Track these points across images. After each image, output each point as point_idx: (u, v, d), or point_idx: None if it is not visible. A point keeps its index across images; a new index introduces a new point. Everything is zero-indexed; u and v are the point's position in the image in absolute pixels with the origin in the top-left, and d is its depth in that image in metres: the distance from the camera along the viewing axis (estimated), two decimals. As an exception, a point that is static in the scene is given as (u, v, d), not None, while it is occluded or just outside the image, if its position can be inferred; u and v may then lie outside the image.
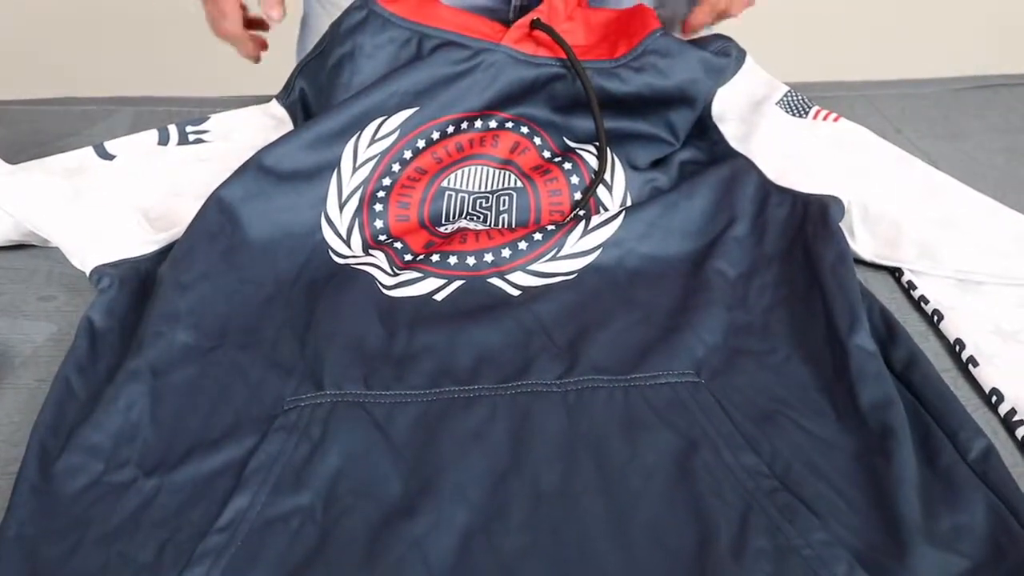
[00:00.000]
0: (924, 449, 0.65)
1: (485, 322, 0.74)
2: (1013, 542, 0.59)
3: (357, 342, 0.72)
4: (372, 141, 0.87)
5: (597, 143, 0.89)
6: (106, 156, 0.88)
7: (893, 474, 0.62)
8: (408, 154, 0.88)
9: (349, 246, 0.82)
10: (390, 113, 0.87)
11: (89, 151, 0.88)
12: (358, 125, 0.87)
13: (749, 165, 0.87)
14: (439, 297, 0.77)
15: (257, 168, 0.83)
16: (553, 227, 0.82)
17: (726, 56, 0.94)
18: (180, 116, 0.94)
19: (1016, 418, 0.70)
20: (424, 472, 0.63)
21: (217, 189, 0.81)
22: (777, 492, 0.62)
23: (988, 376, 0.74)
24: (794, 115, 0.93)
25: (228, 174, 0.83)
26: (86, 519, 0.61)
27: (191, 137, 0.92)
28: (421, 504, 0.61)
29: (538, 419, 0.67)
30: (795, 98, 0.94)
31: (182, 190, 0.86)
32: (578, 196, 0.86)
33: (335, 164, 0.85)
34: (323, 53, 0.92)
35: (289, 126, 0.95)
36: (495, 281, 0.78)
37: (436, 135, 0.89)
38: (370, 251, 0.81)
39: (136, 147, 0.90)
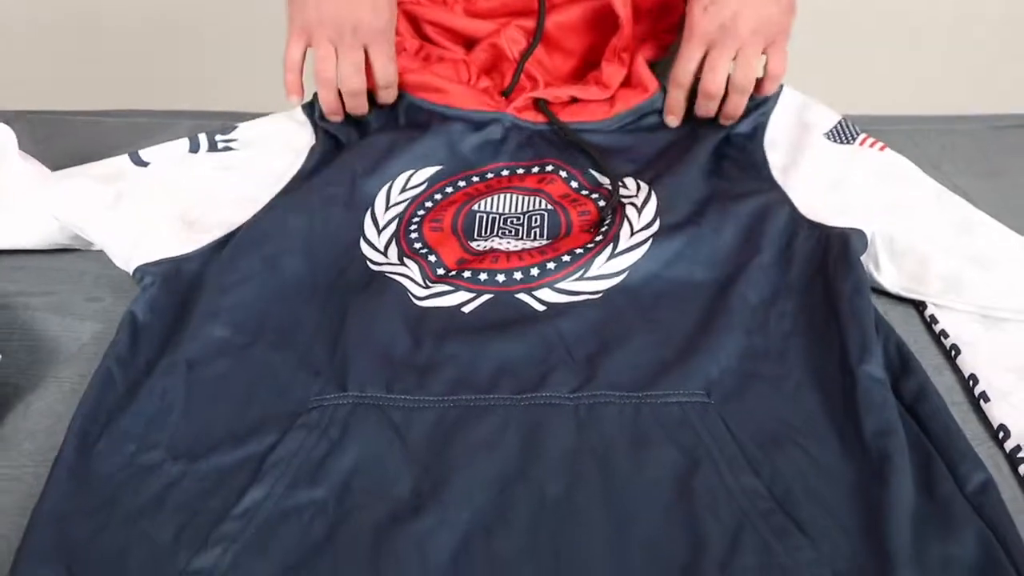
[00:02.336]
0: (924, 479, 0.66)
1: (508, 335, 0.77)
2: (999, 573, 0.60)
3: (384, 348, 0.76)
4: (403, 189, 0.93)
5: (616, 184, 0.92)
6: (141, 163, 0.93)
7: (888, 501, 0.63)
8: (438, 196, 0.93)
9: (386, 256, 0.86)
10: (417, 168, 0.94)
11: (125, 158, 0.93)
12: (389, 177, 0.93)
13: (783, 199, 0.89)
14: (467, 309, 0.80)
15: (293, 206, 0.89)
16: (581, 250, 0.84)
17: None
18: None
19: (1021, 454, 0.71)
20: (434, 475, 0.66)
21: (255, 222, 0.87)
22: (772, 513, 0.63)
23: (998, 412, 0.74)
24: (840, 142, 0.94)
25: (254, 181, 0.89)
26: (115, 499, 0.65)
27: (220, 145, 0.96)
28: (427, 505, 0.64)
29: (548, 430, 0.69)
30: (845, 126, 0.96)
31: (215, 195, 0.90)
32: (608, 216, 0.89)
33: (370, 204, 0.91)
34: None
35: (309, 133, 0.99)
36: (522, 296, 0.81)
37: (463, 183, 0.94)
38: (405, 260, 0.85)
39: (169, 154, 0.94)
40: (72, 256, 0.91)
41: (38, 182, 0.90)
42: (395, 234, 0.88)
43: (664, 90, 1.00)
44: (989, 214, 0.89)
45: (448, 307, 0.80)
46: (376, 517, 0.63)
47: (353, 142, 0.98)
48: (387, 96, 0.98)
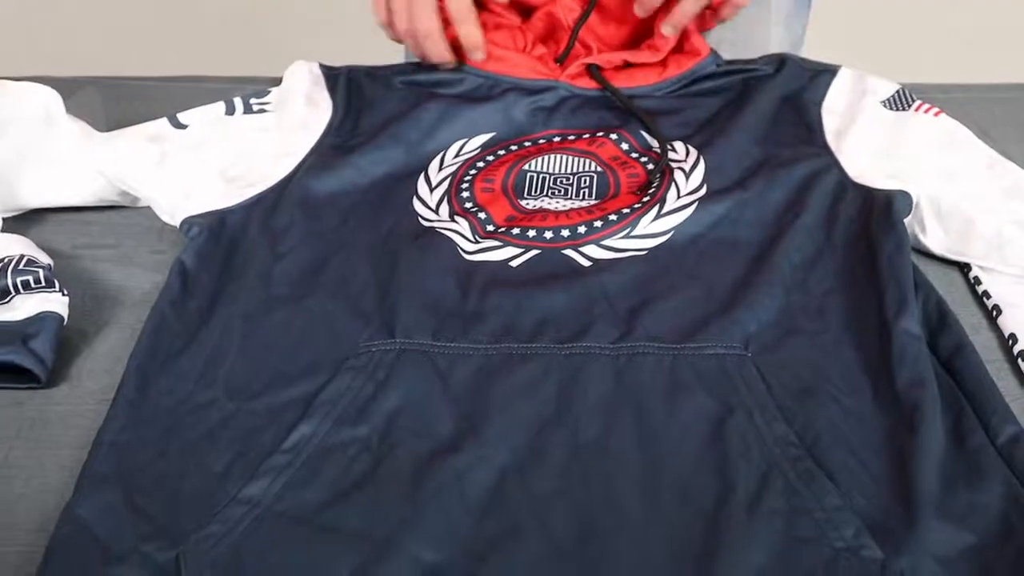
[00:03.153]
0: (955, 430, 0.68)
1: (553, 287, 0.79)
2: (1022, 519, 0.61)
3: (433, 298, 0.78)
4: (457, 155, 0.95)
5: (664, 146, 0.93)
6: (179, 126, 0.97)
7: (915, 449, 0.64)
8: (491, 158, 0.95)
9: (437, 213, 0.88)
10: (471, 135, 0.97)
11: (164, 121, 0.97)
12: (443, 145, 0.96)
13: (832, 164, 0.90)
14: (514, 264, 0.82)
15: (346, 167, 0.92)
16: (628, 210, 0.86)
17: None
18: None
19: (1056, 410, 0.71)
20: (473, 416, 0.69)
21: (306, 184, 0.90)
22: (801, 460, 0.65)
23: None
24: (896, 110, 0.95)
25: (288, 137, 0.95)
26: (172, 431, 0.69)
27: (255, 107, 0.99)
28: (466, 444, 0.66)
29: (587, 378, 0.71)
30: (902, 94, 0.97)
31: (254, 153, 0.94)
32: (656, 178, 0.91)
33: (423, 167, 0.94)
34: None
35: (323, 89, 1.02)
36: (569, 252, 0.83)
37: (515, 147, 0.96)
38: (455, 217, 0.87)
39: (206, 117, 0.98)
40: (138, 213, 0.95)
41: (85, 142, 0.94)
42: (447, 192, 0.91)
43: (715, 53, 1.01)
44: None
45: (496, 261, 0.82)
46: (417, 454, 0.66)
47: (375, 92, 1.01)
48: (476, 56, 1.00)
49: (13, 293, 0.77)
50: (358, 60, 1.05)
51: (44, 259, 0.82)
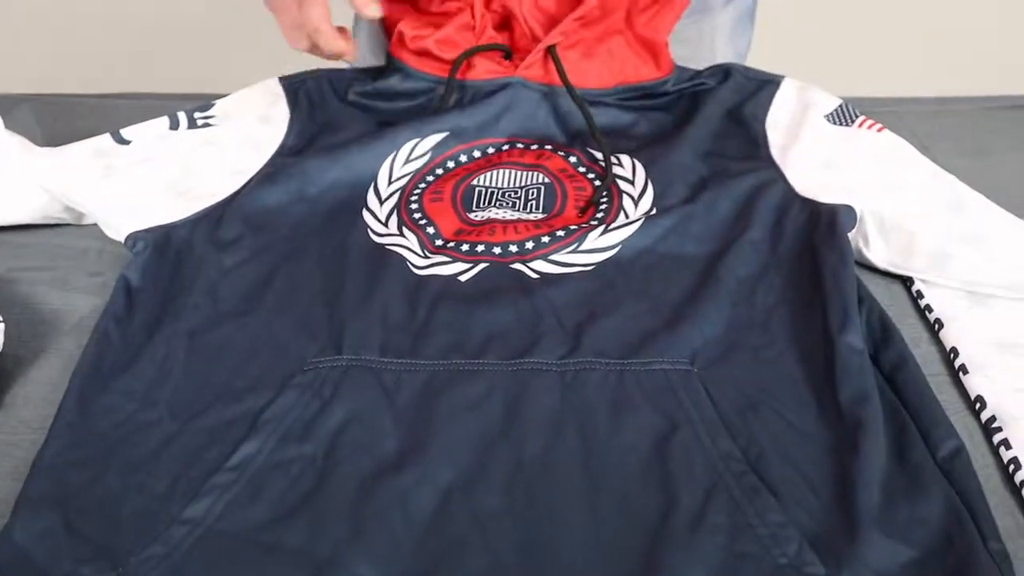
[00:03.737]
0: (897, 445, 0.68)
1: (501, 303, 0.79)
2: (962, 534, 0.62)
3: (381, 314, 0.78)
4: (407, 160, 0.94)
5: (610, 162, 0.93)
6: (122, 141, 0.95)
7: (858, 465, 0.65)
8: (440, 171, 0.94)
9: (386, 226, 0.88)
10: (423, 135, 0.95)
11: (107, 137, 0.95)
12: (394, 146, 0.94)
13: (778, 177, 0.91)
14: (463, 278, 0.82)
15: (294, 177, 0.91)
16: (575, 227, 0.86)
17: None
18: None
19: (995, 424, 0.72)
20: (418, 433, 0.68)
21: (254, 196, 0.89)
22: (745, 475, 0.65)
23: (976, 384, 0.76)
24: (839, 124, 0.96)
25: (236, 153, 0.93)
26: (113, 452, 0.68)
27: (199, 122, 0.98)
28: (411, 461, 0.66)
29: (533, 394, 0.71)
30: (844, 109, 0.98)
31: (201, 168, 0.93)
32: (603, 196, 0.91)
33: (373, 174, 0.93)
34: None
35: (283, 104, 1.01)
36: (517, 266, 0.83)
37: (464, 158, 0.96)
38: (404, 230, 0.87)
39: (150, 132, 0.97)
40: (75, 234, 0.93)
41: (26, 156, 0.93)
42: (396, 205, 0.90)
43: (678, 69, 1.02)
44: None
45: (445, 276, 0.82)
46: (361, 472, 0.66)
47: (336, 107, 1.00)
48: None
49: None
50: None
51: None
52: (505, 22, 1.01)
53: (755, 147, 0.95)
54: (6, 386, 0.77)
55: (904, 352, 0.75)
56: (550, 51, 0.98)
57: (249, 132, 0.97)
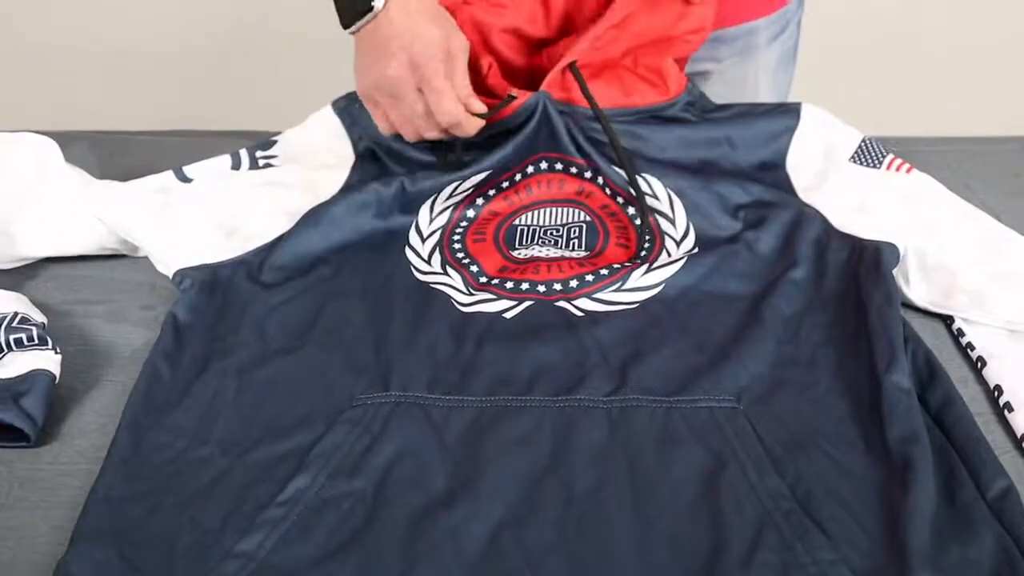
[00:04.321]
0: (946, 485, 0.68)
1: (547, 340, 0.80)
2: (1014, 574, 0.62)
3: (428, 350, 0.79)
4: (449, 196, 0.95)
5: (640, 190, 0.92)
6: (185, 179, 0.97)
7: (908, 505, 0.65)
8: (480, 201, 0.95)
9: (429, 263, 0.89)
10: (465, 178, 0.95)
11: (170, 174, 0.98)
12: (438, 187, 0.95)
13: (814, 212, 0.91)
14: (508, 316, 0.83)
15: (336, 218, 0.92)
16: (619, 265, 0.87)
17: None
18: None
19: (1042, 463, 0.72)
20: (468, 469, 0.69)
21: (299, 237, 0.90)
22: (793, 513, 0.65)
23: (1021, 422, 0.76)
24: (867, 166, 0.96)
25: (295, 196, 0.94)
26: (166, 487, 0.69)
27: (261, 162, 1.00)
28: (460, 497, 0.67)
29: (581, 430, 0.72)
30: (870, 147, 0.98)
31: (254, 208, 0.95)
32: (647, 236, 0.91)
33: (415, 213, 0.94)
34: None
35: (348, 145, 1.02)
36: (562, 304, 0.84)
37: (506, 184, 0.96)
38: (448, 268, 0.88)
39: (212, 171, 0.99)
40: (129, 268, 0.95)
41: (84, 189, 0.95)
42: (439, 243, 0.91)
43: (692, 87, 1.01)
44: (1018, 232, 0.91)
45: (491, 312, 0.83)
46: (411, 508, 0.66)
47: (398, 149, 0.99)
48: (459, 131, 0.92)
49: (5, 350, 0.78)
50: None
51: (38, 317, 0.82)
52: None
53: (782, 189, 0.95)
54: (62, 417, 0.78)
55: (951, 391, 0.75)
56: (571, 68, 0.96)
57: (311, 175, 0.98)
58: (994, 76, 2.09)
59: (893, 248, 0.87)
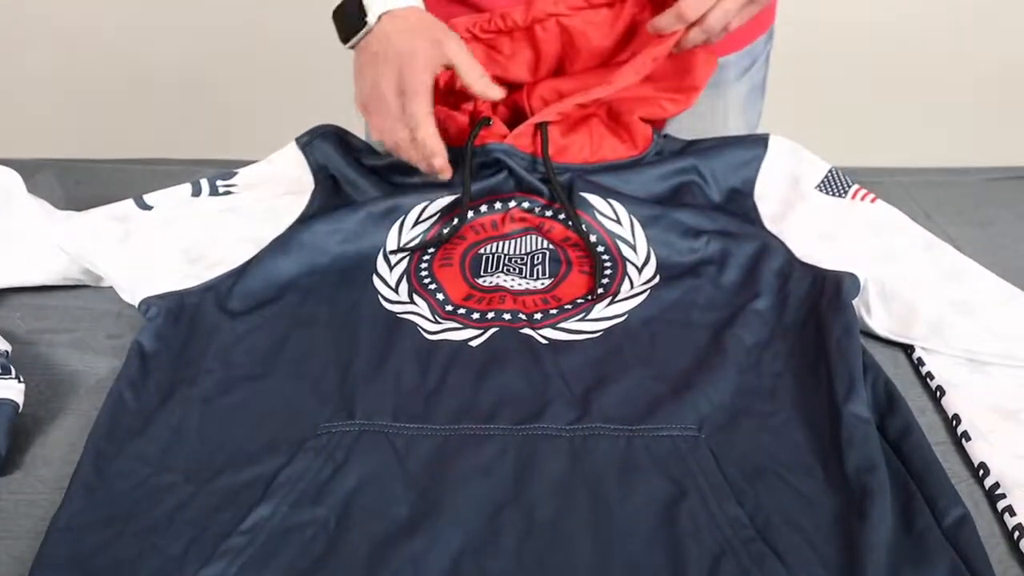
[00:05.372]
0: (904, 513, 0.69)
1: (510, 368, 0.80)
2: None
3: (394, 380, 0.79)
4: (416, 222, 0.96)
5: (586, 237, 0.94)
6: (145, 207, 0.98)
7: (866, 533, 0.66)
8: (446, 231, 0.96)
9: (396, 292, 0.90)
10: (432, 200, 0.97)
11: (130, 203, 0.98)
12: (403, 211, 0.97)
13: (778, 243, 0.93)
14: (474, 343, 0.83)
15: (305, 246, 0.93)
16: (582, 299, 0.88)
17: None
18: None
19: (999, 491, 0.73)
20: (430, 497, 0.69)
21: (265, 265, 0.91)
22: (752, 542, 0.66)
23: (979, 451, 0.77)
24: (833, 195, 0.98)
25: (255, 222, 0.95)
26: (129, 515, 0.69)
27: (221, 189, 1.01)
28: (422, 525, 0.67)
29: (543, 459, 0.72)
30: (836, 177, 1.00)
31: (217, 235, 0.95)
32: (605, 257, 0.93)
33: (382, 243, 0.95)
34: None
35: (308, 174, 1.04)
36: (527, 331, 0.84)
37: (470, 214, 0.97)
38: (415, 297, 0.89)
39: (172, 198, 1.00)
40: (94, 297, 0.96)
41: (46, 219, 0.96)
42: (406, 271, 0.92)
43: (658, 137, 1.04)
44: (979, 263, 0.92)
45: (456, 341, 0.83)
46: (373, 536, 0.66)
47: (353, 179, 1.02)
48: (433, 163, 0.95)
49: None
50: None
51: (2, 345, 0.82)
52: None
53: (748, 218, 0.97)
54: (25, 446, 0.78)
55: (909, 420, 0.76)
56: (540, 127, 1.00)
57: (271, 202, 0.99)
58: (954, 107, 2.12)
59: (854, 278, 0.88)
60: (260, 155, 1.06)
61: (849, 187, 0.99)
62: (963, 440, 0.78)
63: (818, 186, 0.99)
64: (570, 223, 0.96)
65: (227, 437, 0.75)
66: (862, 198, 0.98)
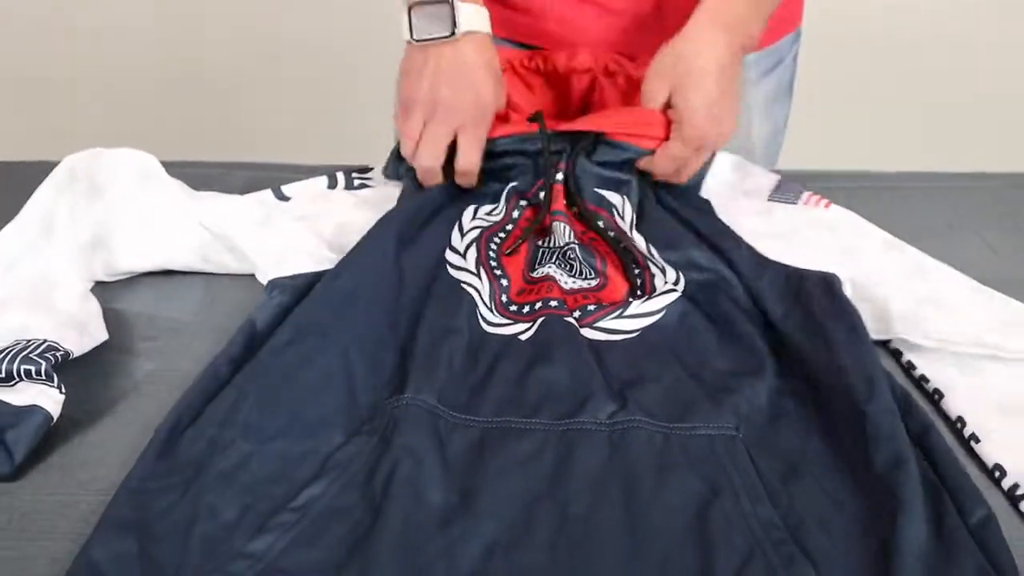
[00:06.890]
0: (932, 512, 0.69)
1: (556, 362, 0.82)
2: None
3: (446, 361, 0.81)
4: (488, 213, 1.00)
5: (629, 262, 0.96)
6: (283, 198, 1.02)
7: (896, 534, 0.66)
8: (509, 227, 0.99)
9: (464, 258, 0.93)
10: (496, 200, 1.01)
11: (268, 193, 1.02)
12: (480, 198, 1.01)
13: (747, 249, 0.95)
14: (524, 337, 0.86)
15: (394, 220, 0.95)
16: (619, 299, 0.91)
17: None
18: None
19: (1020, 492, 0.74)
20: (466, 487, 0.71)
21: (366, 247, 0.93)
22: (783, 543, 0.67)
23: (990, 452, 0.78)
24: (785, 203, 1.00)
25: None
26: (191, 476, 0.71)
27: (356, 183, 1.05)
28: (458, 515, 0.69)
29: (581, 454, 0.74)
30: (786, 186, 1.02)
31: (352, 223, 0.98)
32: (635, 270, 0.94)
33: (458, 217, 0.98)
34: None
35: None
36: (571, 320, 0.87)
37: (524, 202, 1.00)
38: (480, 270, 0.92)
39: (309, 190, 1.03)
40: (129, 300, 0.96)
41: (186, 197, 1.00)
42: (476, 240, 0.95)
43: None
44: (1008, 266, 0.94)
45: (508, 335, 0.86)
46: (410, 521, 0.68)
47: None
48: (464, 181, 1.01)
49: (17, 379, 0.78)
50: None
51: (68, 346, 0.83)
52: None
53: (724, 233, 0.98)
54: (63, 449, 0.79)
55: (927, 419, 0.77)
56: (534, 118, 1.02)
57: (391, 192, 1.02)
58: (979, 112, 2.12)
59: (836, 277, 0.89)
60: (287, 157, 1.08)
61: (801, 193, 1.01)
62: (972, 442, 0.79)
63: (769, 196, 1.02)
64: (600, 223, 0.98)
65: (285, 400, 0.77)
66: (816, 203, 1.00)
